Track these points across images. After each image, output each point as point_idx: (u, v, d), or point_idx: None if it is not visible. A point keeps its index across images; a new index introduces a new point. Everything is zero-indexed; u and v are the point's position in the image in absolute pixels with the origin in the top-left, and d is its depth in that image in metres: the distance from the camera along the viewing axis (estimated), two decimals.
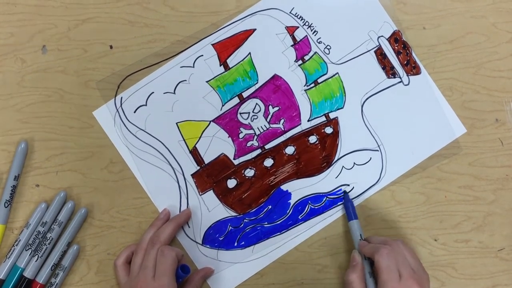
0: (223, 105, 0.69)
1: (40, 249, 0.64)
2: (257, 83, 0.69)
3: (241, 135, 0.69)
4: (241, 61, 0.69)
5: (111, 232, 0.67)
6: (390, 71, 0.70)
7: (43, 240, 0.65)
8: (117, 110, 0.68)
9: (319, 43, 0.70)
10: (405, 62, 0.70)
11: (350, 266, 0.64)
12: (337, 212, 0.69)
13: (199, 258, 0.68)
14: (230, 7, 0.69)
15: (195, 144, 0.68)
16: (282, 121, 0.69)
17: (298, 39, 0.70)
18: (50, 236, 0.65)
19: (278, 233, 0.68)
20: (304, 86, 0.70)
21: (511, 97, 0.71)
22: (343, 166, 0.69)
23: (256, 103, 0.69)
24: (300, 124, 0.69)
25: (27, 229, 0.65)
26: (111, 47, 0.68)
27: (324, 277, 0.68)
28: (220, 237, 0.68)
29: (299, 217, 0.68)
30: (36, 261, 0.64)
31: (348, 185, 0.69)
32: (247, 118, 0.69)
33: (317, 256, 0.69)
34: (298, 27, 0.70)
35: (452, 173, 0.70)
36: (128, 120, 0.68)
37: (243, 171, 0.69)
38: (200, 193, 0.68)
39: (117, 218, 0.68)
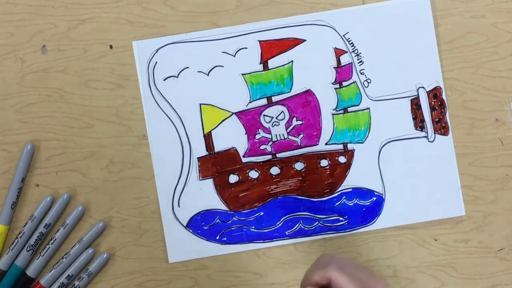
0: (250, 102, 0.69)
1: (38, 245, 0.66)
2: (289, 91, 0.69)
3: (257, 136, 0.69)
4: (281, 65, 0.69)
5: (110, 232, 0.67)
6: (419, 123, 0.69)
7: (44, 240, 0.66)
8: (148, 72, 0.68)
9: (361, 74, 0.69)
10: (437, 120, 0.69)
11: None
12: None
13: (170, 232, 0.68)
14: (230, 6, 0.69)
15: (211, 130, 0.68)
16: (301, 136, 0.69)
17: (342, 64, 0.69)
18: (54, 237, 0.66)
19: (261, 241, 0.68)
20: (333, 109, 0.69)
21: (511, 97, 0.71)
22: (344, 198, 0.69)
23: (282, 111, 0.69)
24: (317, 144, 0.69)
25: (32, 221, 0.65)
26: (111, 47, 0.68)
27: None
28: (206, 226, 0.68)
29: (286, 232, 0.68)
30: (37, 259, 0.65)
31: (344, 217, 0.69)
32: (269, 122, 0.69)
33: (317, 256, 0.68)
34: (346, 52, 0.69)
35: None
36: (156, 86, 0.68)
37: (247, 171, 0.69)
38: (200, 178, 0.68)
39: (116, 218, 0.68)
